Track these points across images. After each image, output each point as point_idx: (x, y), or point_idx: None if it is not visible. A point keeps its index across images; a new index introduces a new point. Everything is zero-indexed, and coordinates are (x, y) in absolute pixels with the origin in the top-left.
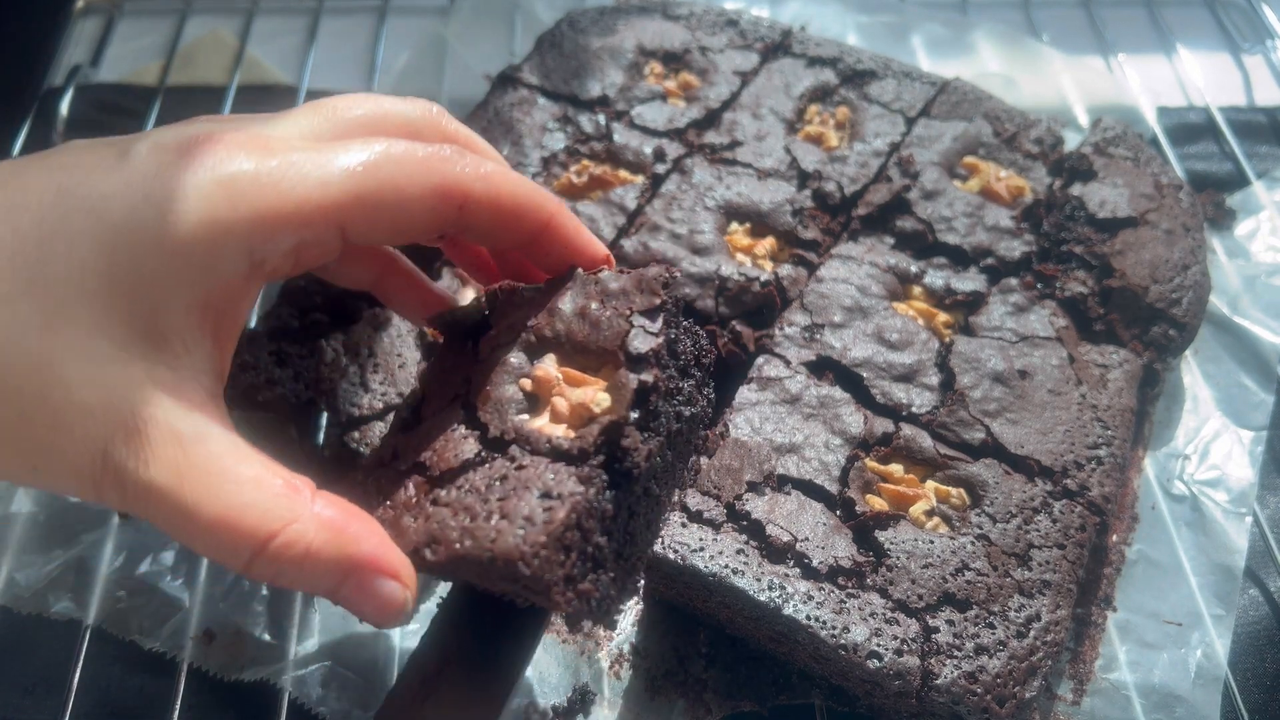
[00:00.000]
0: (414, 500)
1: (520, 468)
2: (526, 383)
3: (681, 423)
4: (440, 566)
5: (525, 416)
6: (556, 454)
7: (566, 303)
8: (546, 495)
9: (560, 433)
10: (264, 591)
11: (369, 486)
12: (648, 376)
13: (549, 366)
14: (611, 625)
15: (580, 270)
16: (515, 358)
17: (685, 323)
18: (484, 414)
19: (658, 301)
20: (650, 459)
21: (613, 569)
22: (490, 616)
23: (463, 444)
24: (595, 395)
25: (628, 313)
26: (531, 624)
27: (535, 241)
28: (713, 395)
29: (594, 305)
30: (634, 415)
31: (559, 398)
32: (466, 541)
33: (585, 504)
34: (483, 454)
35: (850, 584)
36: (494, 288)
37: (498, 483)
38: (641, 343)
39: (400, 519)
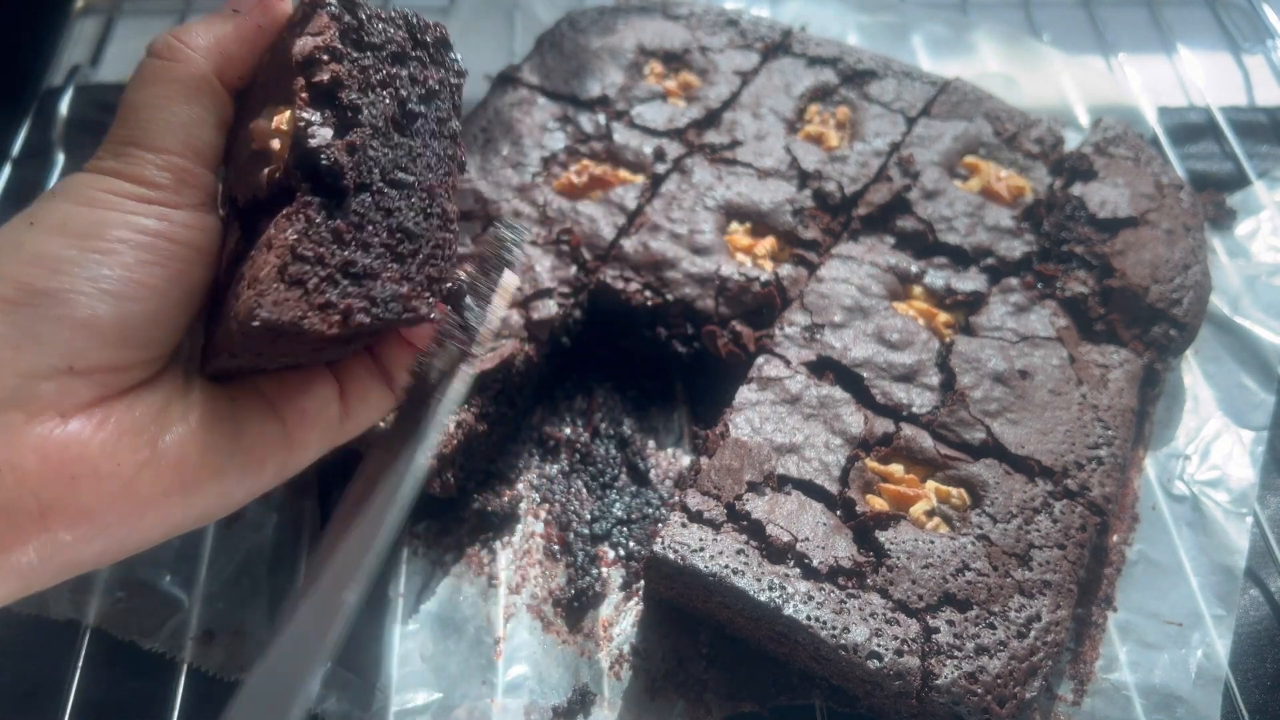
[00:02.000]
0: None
1: (257, 234)
2: (252, 144)
3: (417, 104)
4: (232, 360)
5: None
6: (272, 199)
7: (279, 52)
8: (263, 248)
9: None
10: (264, 591)
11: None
12: (320, 74)
13: (265, 118)
14: (467, 342)
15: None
16: (252, 124)
17: (385, 12)
18: (232, 191)
19: None
20: (361, 153)
21: (395, 270)
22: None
23: (233, 247)
24: (284, 116)
25: (299, 30)
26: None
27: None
28: (458, 65)
29: (289, 39)
30: (313, 116)
31: (275, 139)
32: (229, 329)
33: (295, 236)
34: (242, 243)
35: (850, 584)
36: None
37: (244, 263)
38: (303, 45)
39: (210, 348)
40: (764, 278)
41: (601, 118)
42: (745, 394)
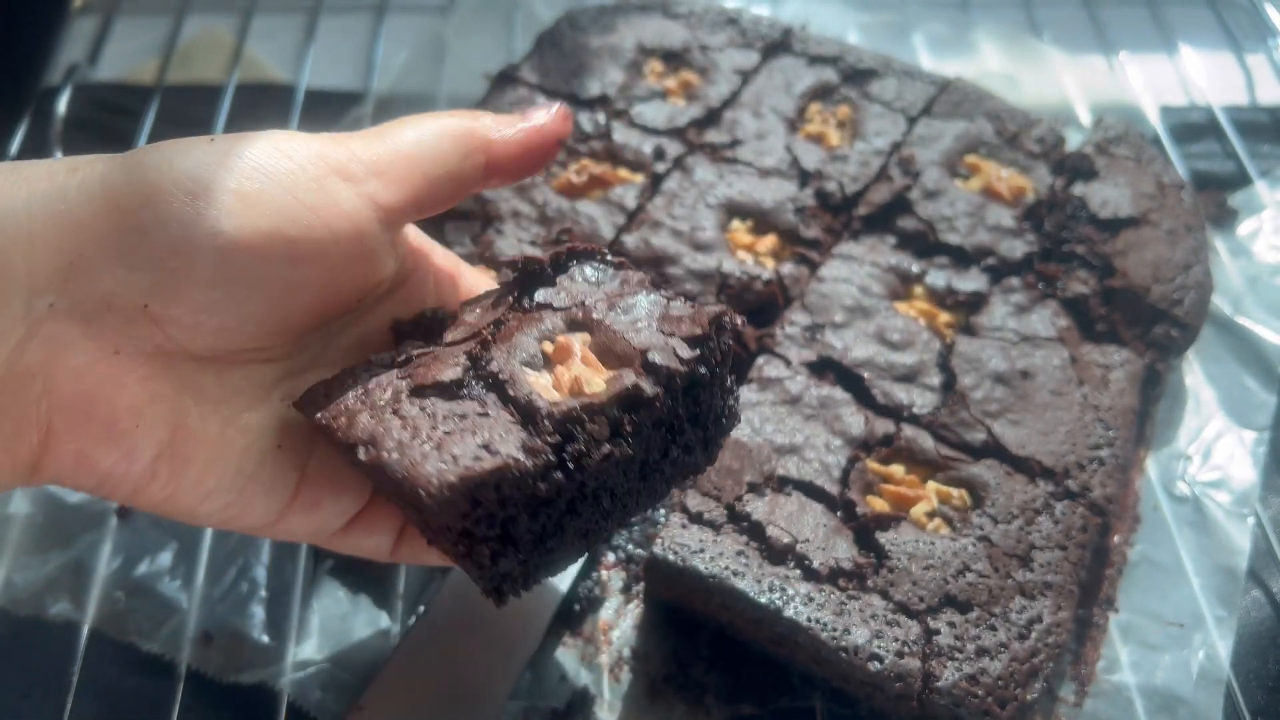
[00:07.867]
0: (380, 402)
1: (483, 414)
2: (549, 345)
3: (666, 462)
4: (365, 469)
5: (528, 370)
6: (526, 412)
7: (626, 302)
8: (486, 446)
9: (544, 395)
10: (263, 593)
11: (360, 372)
12: (648, 387)
13: (576, 340)
14: (499, 600)
15: (652, 283)
16: (553, 322)
17: (731, 387)
18: (494, 350)
19: (699, 332)
20: (608, 462)
21: (525, 554)
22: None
23: (452, 370)
24: (593, 378)
25: (670, 332)
26: None
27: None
28: (713, 458)
29: (645, 315)
30: (613, 411)
31: (564, 368)
32: (395, 454)
33: (516, 472)
34: (463, 388)
35: (851, 586)
36: (574, 247)
37: (457, 418)
38: (662, 358)
39: (358, 413)
40: (766, 275)
41: (601, 116)
42: (745, 394)
